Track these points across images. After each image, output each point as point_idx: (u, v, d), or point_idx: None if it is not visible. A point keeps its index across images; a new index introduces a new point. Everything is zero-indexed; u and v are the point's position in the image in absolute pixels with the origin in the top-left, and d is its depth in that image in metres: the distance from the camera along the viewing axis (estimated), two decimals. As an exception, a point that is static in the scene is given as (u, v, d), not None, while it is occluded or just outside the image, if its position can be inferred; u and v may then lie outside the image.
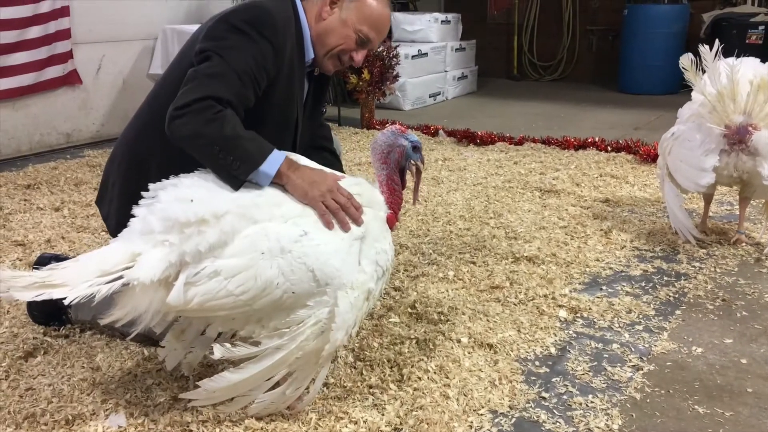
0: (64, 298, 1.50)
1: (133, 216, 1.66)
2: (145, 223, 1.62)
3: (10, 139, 4.63)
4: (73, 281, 1.53)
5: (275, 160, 1.71)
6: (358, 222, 1.73)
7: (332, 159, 2.31)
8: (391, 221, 1.88)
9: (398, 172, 1.92)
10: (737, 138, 2.81)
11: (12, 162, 4.53)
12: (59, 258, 2.25)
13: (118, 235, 1.68)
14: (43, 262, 2.24)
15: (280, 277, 1.60)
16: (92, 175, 4.18)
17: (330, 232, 1.70)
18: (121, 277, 1.55)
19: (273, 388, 1.75)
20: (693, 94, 3.09)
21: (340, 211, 1.71)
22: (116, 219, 1.97)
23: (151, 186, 1.70)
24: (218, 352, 1.64)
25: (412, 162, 1.93)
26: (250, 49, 1.80)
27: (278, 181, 1.72)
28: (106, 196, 2.08)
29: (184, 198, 1.64)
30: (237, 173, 1.68)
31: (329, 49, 1.99)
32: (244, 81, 1.79)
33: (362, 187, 1.86)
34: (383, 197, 1.89)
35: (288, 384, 1.74)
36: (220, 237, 1.59)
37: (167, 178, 1.73)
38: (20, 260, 2.84)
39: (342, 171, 2.15)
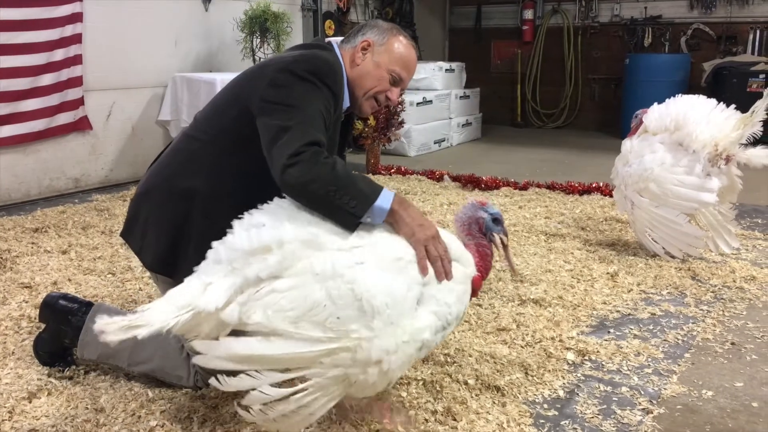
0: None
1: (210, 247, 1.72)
2: (216, 254, 1.68)
3: (19, 183, 4.68)
4: (153, 323, 1.57)
5: (387, 196, 1.74)
6: (448, 276, 1.73)
7: None
8: (477, 283, 1.87)
9: (487, 241, 1.91)
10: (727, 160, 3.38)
11: (21, 206, 4.57)
12: (67, 297, 2.26)
13: (195, 268, 1.71)
14: (51, 301, 2.25)
15: (327, 300, 1.59)
16: (99, 218, 4.21)
17: (390, 269, 1.67)
18: (191, 310, 1.59)
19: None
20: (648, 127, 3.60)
21: (438, 261, 1.71)
22: (153, 251, 2.02)
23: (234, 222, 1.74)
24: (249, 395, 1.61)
25: (494, 234, 1.91)
26: (319, 96, 1.88)
27: (390, 219, 1.74)
28: (136, 230, 2.08)
29: (257, 223, 1.68)
30: (354, 211, 1.70)
31: (366, 91, 2.08)
32: (325, 124, 1.86)
33: (455, 243, 1.85)
34: (474, 259, 1.88)
35: (305, 393, 1.62)
36: (281, 263, 1.61)
37: (212, 215, 1.84)
38: (26, 302, 2.84)
39: None
